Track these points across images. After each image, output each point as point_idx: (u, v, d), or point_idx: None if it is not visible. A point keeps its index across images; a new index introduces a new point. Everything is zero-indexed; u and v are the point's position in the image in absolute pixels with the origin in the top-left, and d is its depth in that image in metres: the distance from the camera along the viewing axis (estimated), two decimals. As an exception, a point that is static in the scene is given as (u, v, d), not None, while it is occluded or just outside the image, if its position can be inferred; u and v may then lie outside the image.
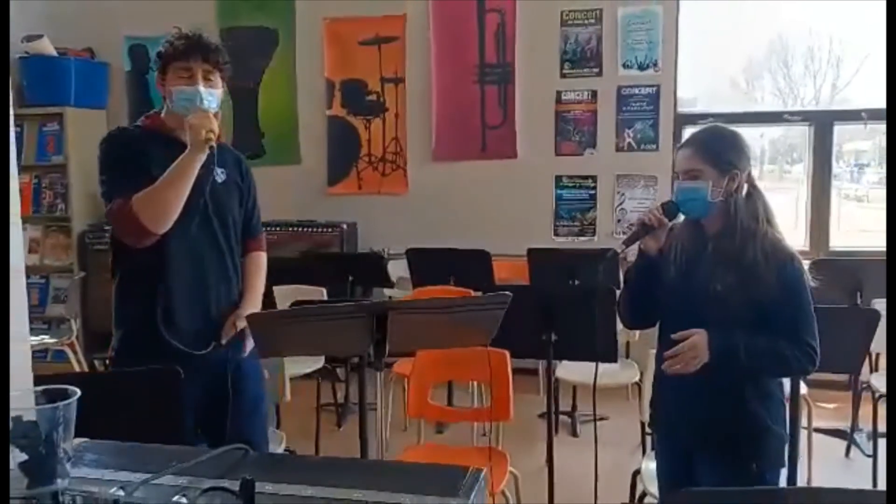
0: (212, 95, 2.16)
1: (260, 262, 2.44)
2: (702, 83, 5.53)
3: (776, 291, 1.89)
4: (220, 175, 2.21)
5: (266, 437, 2.44)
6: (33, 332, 4.49)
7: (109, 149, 2.18)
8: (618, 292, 2.35)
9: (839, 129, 5.14)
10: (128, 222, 2.04)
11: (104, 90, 5.81)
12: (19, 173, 2.57)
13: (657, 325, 2.13)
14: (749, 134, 5.96)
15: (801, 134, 5.31)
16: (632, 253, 2.16)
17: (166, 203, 2.03)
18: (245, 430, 2.17)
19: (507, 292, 1.71)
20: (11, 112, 2.16)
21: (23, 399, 1.11)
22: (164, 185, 2.04)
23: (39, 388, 1.13)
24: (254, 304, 2.30)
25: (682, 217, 2.05)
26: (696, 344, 1.88)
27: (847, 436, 4.00)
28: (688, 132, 5.10)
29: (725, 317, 1.92)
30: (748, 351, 1.87)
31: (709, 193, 1.94)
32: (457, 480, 1.06)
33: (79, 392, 1.10)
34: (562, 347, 2.87)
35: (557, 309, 2.85)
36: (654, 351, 2.15)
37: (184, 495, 0.94)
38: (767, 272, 1.89)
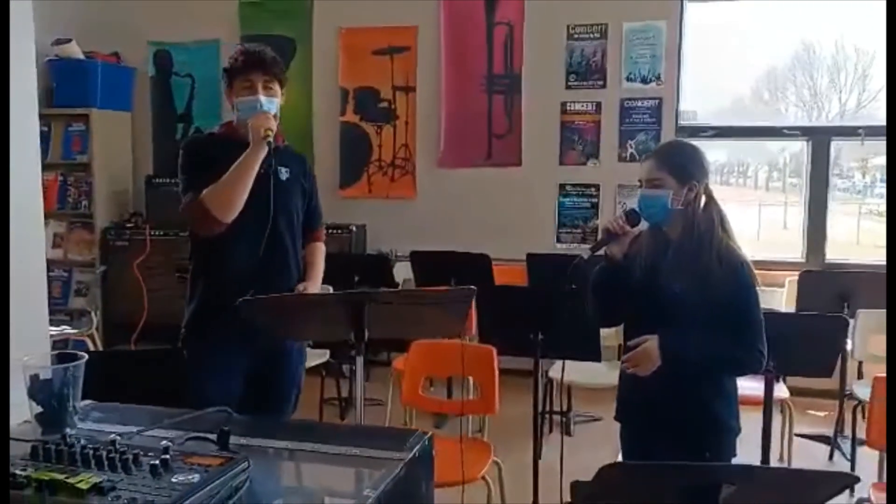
0: (271, 102, 2.42)
1: (320, 249, 2.71)
2: (706, 97, 5.65)
3: (728, 294, 2.06)
4: (283, 173, 2.46)
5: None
6: (55, 323, 4.74)
7: (188, 153, 2.47)
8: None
9: (867, 144, 5.19)
10: (198, 214, 2.31)
11: (129, 93, 6.07)
12: (45, 171, 2.80)
13: (623, 325, 2.30)
14: (770, 148, 6.11)
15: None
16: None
17: (231, 194, 2.29)
18: (281, 405, 2.48)
19: (472, 287, 1.89)
20: (10, 114, 2.37)
21: (39, 361, 1.31)
22: (229, 180, 2.30)
23: (54, 352, 1.32)
24: (316, 279, 2.57)
25: (645, 224, 2.22)
26: (647, 349, 2.06)
27: (830, 441, 4.12)
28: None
29: (684, 316, 2.08)
30: (697, 355, 2.05)
31: (669, 201, 2.11)
32: (404, 439, 1.24)
33: (86, 356, 1.30)
34: (548, 346, 3.04)
35: (544, 309, 3.02)
36: None
37: (171, 442, 1.13)
38: (720, 276, 2.06)
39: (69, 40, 5.60)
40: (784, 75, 5.75)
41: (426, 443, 1.23)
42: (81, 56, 5.68)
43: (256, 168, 2.33)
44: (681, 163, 2.15)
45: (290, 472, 1.22)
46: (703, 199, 2.16)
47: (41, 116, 2.62)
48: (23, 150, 2.39)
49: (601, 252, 2.25)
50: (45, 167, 2.72)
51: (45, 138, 5.32)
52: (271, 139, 2.33)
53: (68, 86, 5.62)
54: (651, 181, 2.14)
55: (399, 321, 1.94)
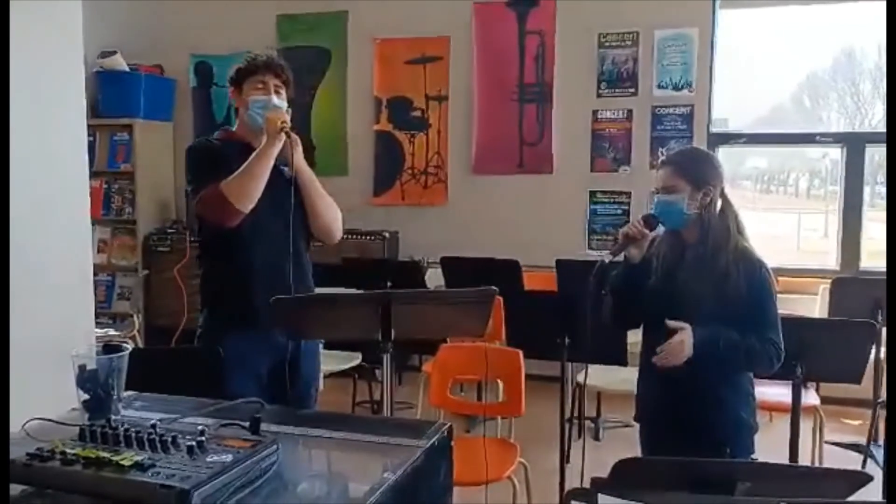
0: (281, 102, 2.52)
1: None
2: (742, 104, 5.64)
3: (745, 295, 2.10)
4: (287, 172, 2.51)
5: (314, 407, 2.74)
6: (99, 325, 4.91)
7: (197, 153, 2.57)
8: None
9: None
10: (218, 203, 2.36)
11: (171, 104, 6.26)
12: (91, 178, 2.94)
13: (641, 327, 2.35)
14: (811, 155, 6.06)
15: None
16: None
17: (250, 184, 2.36)
18: (300, 401, 2.51)
19: (492, 287, 1.95)
20: (62, 125, 2.49)
21: (87, 352, 1.41)
22: (248, 169, 2.37)
23: (100, 344, 1.42)
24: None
25: (662, 229, 2.27)
26: (683, 340, 2.10)
27: (864, 449, 4.08)
28: (721, 151, 5.27)
29: (701, 318, 2.13)
30: (725, 344, 2.09)
31: (685, 206, 2.17)
32: (424, 429, 1.31)
33: (130, 347, 1.39)
34: (575, 350, 3.09)
35: (570, 314, 3.07)
36: None
37: (206, 427, 1.21)
38: (737, 278, 2.11)
39: (114, 52, 5.80)
40: (825, 81, 5.69)
41: (445, 433, 1.30)
42: (126, 68, 5.88)
43: (272, 160, 2.40)
44: (695, 168, 2.21)
45: (315, 457, 1.31)
46: (720, 203, 2.21)
47: (87, 127, 2.76)
48: (72, 158, 2.52)
49: (621, 256, 2.30)
50: (91, 175, 2.85)
51: (90, 147, 5.48)
52: (287, 130, 2.42)
53: (113, 97, 5.82)
54: (667, 187, 2.20)
55: (423, 321, 2.01)
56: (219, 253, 2.51)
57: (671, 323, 2.14)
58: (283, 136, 2.41)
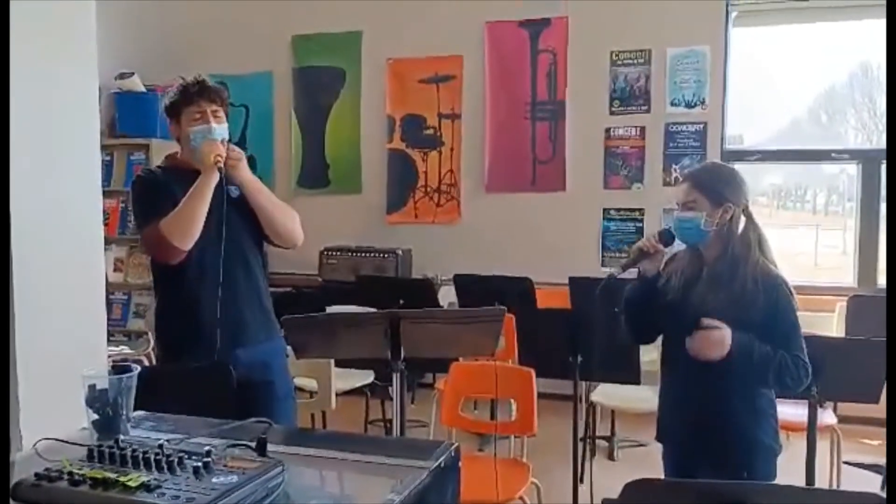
0: (222, 129, 2.48)
1: None
2: (758, 120, 5.62)
3: (765, 313, 2.08)
4: (234, 191, 2.49)
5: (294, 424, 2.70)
6: (115, 343, 4.95)
7: (141, 188, 2.54)
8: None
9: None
10: (158, 243, 2.35)
11: (187, 123, 6.31)
12: (108, 198, 2.97)
13: (660, 347, 2.33)
14: (829, 171, 6.03)
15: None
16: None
17: (188, 221, 2.34)
18: (274, 419, 2.46)
19: (502, 307, 1.95)
20: (75, 146, 2.51)
21: (97, 372, 1.43)
22: (185, 207, 2.35)
23: (109, 365, 1.43)
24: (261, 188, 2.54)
25: (680, 245, 2.26)
26: (722, 335, 2.05)
27: (883, 470, 4.01)
28: (736, 168, 5.24)
29: None
30: (760, 354, 2.06)
31: (702, 222, 2.16)
32: (432, 450, 1.31)
33: (139, 368, 1.41)
34: (587, 369, 3.07)
35: (582, 332, 3.06)
36: None
37: (213, 447, 1.22)
38: (757, 295, 2.09)
39: (132, 74, 5.89)
40: (842, 97, 5.68)
41: (452, 454, 1.30)
42: (142, 89, 5.95)
43: (210, 194, 2.38)
44: (715, 185, 2.19)
45: (322, 478, 1.31)
46: (743, 220, 2.19)
47: (105, 146, 2.79)
48: (85, 178, 2.54)
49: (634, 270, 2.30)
50: (108, 194, 2.89)
51: (108, 167, 5.59)
52: (222, 165, 2.39)
53: (130, 117, 5.89)
54: (686, 203, 2.19)
55: (432, 340, 2.01)
56: (171, 282, 2.47)
57: (706, 321, 2.08)
58: (217, 171, 2.39)
